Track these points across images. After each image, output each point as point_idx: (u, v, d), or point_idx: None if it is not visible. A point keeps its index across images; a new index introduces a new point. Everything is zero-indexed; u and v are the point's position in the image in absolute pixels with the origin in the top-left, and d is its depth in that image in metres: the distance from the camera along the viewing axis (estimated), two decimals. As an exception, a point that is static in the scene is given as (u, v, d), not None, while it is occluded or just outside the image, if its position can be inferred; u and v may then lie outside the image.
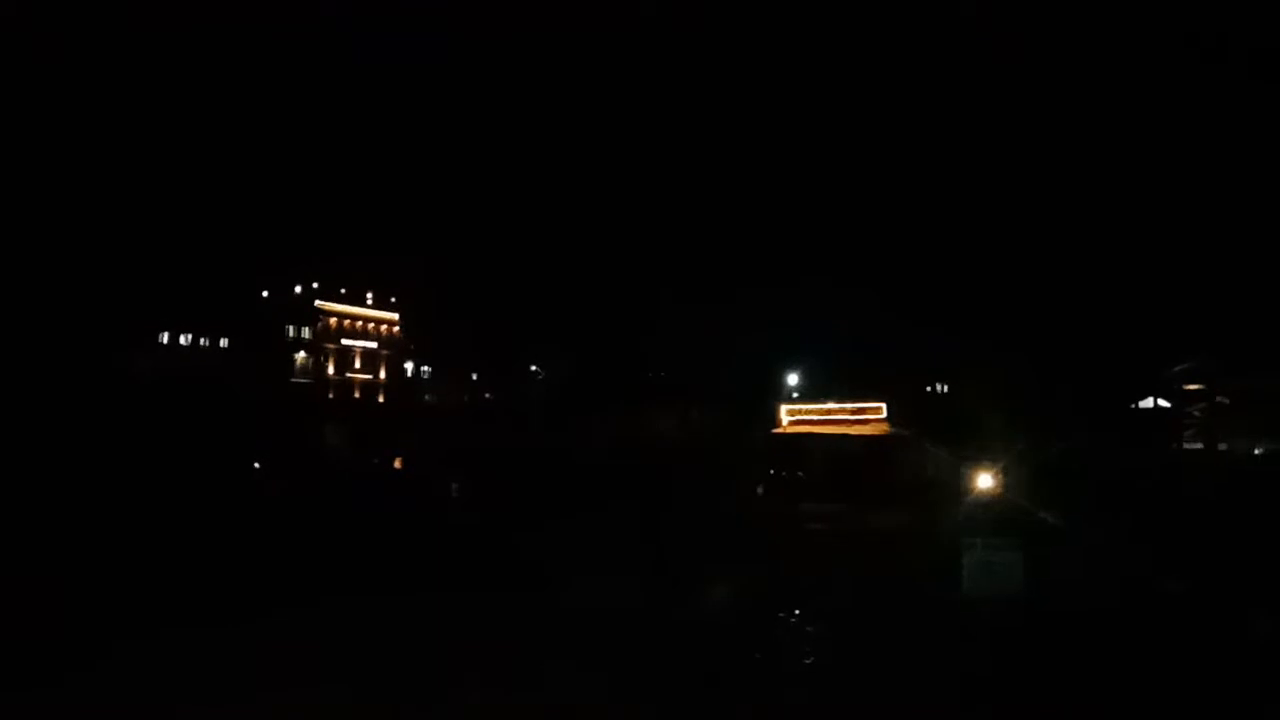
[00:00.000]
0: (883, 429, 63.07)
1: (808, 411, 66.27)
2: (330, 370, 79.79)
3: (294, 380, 75.98)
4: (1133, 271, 68.46)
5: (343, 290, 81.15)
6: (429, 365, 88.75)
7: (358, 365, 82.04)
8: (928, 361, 70.37)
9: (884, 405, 64.83)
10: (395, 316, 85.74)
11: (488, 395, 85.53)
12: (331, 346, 79.95)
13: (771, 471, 45.98)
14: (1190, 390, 64.57)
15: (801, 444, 56.84)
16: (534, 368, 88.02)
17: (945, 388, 71.07)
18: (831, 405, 66.21)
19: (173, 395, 54.37)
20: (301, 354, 78.42)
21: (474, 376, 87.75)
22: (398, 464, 52.97)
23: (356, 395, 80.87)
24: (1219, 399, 63.43)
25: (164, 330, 72.27)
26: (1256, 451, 60.15)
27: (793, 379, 73.40)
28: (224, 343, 75.05)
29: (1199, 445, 62.97)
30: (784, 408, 66.85)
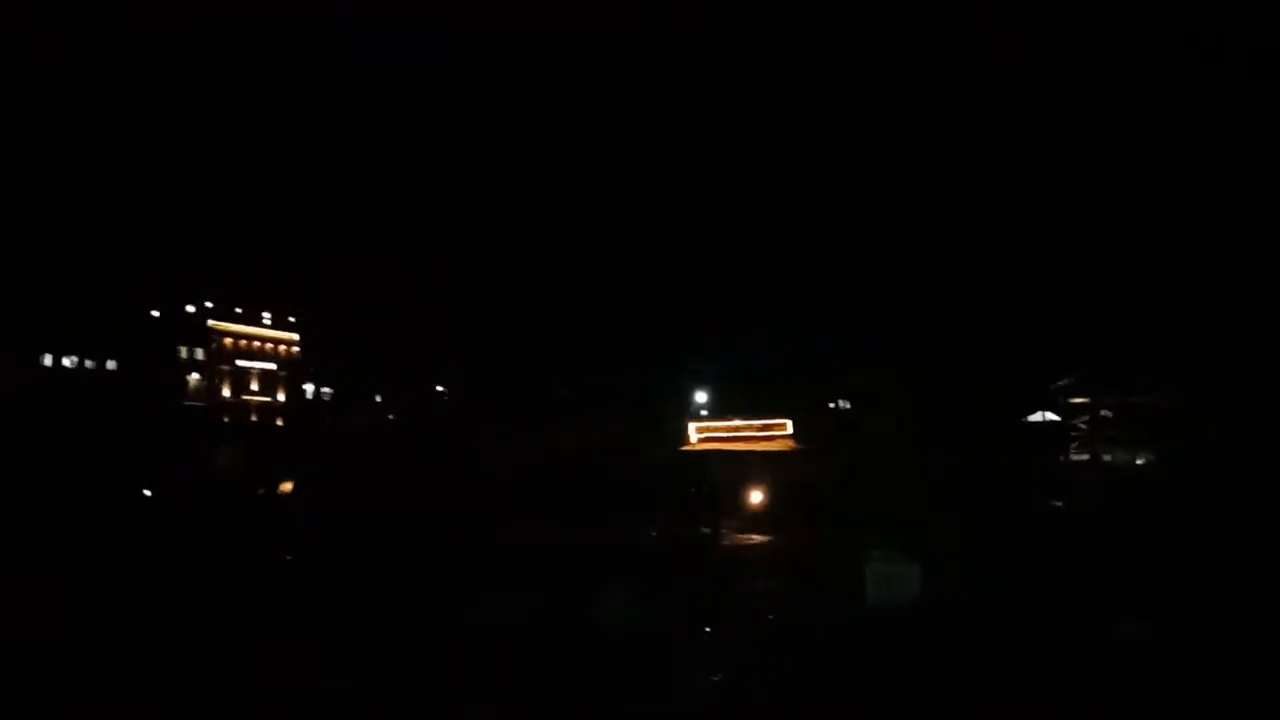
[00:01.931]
0: (788, 445, 64.31)
1: (715, 428, 67.17)
2: (226, 392, 77.05)
3: (186, 403, 73.10)
4: (1030, 284, 71.20)
5: (238, 310, 78.60)
6: (330, 387, 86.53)
7: (255, 387, 79.46)
8: (830, 379, 71.86)
9: (789, 422, 66.15)
10: (295, 337, 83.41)
11: (391, 416, 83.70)
12: (226, 368, 77.27)
13: (692, 489, 46.12)
14: (1076, 404, 67.46)
15: (710, 460, 57.43)
16: (440, 388, 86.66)
17: (847, 404, 72.63)
18: (739, 422, 67.30)
19: (42, 415, 51.69)
20: (195, 375, 75.58)
21: (378, 398, 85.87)
22: (286, 488, 51.38)
23: (254, 418, 78.23)
24: (1102, 412, 66.42)
25: (44, 351, 68.66)
26: (1138, 462, 63.20)
27: (701, 396, 74.17)
28: (111, 364, 71.86)
29: (1085, 456, 65.80)
30: (693, 425, 67.59)
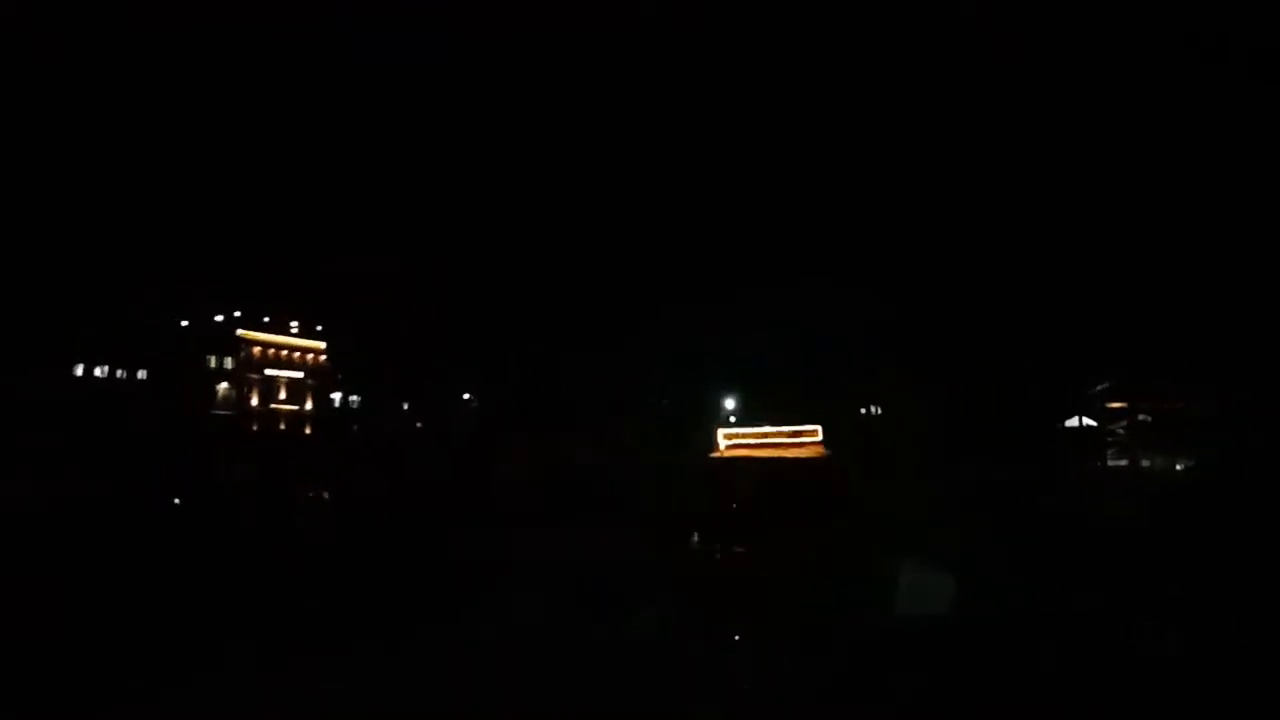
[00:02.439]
0: (818, 451, 63.48)
1: (745, 435, 66.49)
2: (254, 401, 77.42)
3: (215, 412, 73.48)
4: (1064, 287, 69.89)
5: (266, 319, 78.99)
6: (357, 395, 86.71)
7: (283, 396, 79.78)
8: (861, 384, 70.90)
9: (819, 428, 65.34)
10: (322, 345, 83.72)
11: (419, 424, 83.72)
12: (255, 377, 77.62)
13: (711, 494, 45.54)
14: (1113, 408, 66.11)
15: (739, 467, 56.77)
16: (466, 395, 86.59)
17: (879, 409, 71.63)
18: (768, 429, 66.57)
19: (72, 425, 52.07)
20: (223, 385, 75.99)
21: (405, 406, 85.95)
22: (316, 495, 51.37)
23: (282, 426, 78.53)
24: (1141, 417, 65.05)
25: (76, 362, 69.30)
26: (1178, 467, 61.75)
27: (730, 403, 73.49)
28: (141, 374, 72.46)
29: (1123, 462, 64.41)
30: (721, 432, 66.95)
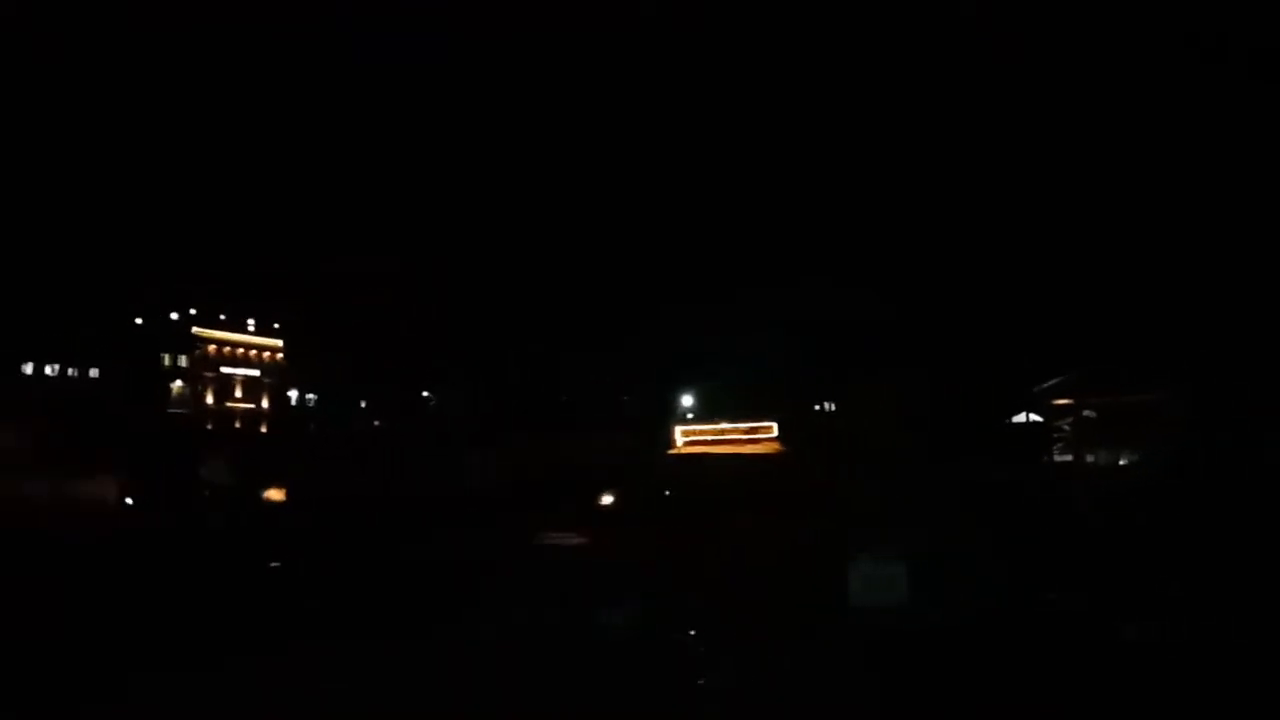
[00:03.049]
0: (774, 447, 64.47)
1: (702, 432, 67.31)
2: (210, 399, 76.67)
3: (170, 410, 72.70)
4: (1018, 286, 71.27)
5: (222, 316, 78.21)
6: (314, 393, 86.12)
7: (239, 394, 79.08)
8: (816, 380, 72.04)
9: (774, 424, 66.33)
10: (279, 343, 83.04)
11: (377, 423, 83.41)
12: (210, 375, 76.89)
13: (666, 493, 46.22)
14: (1059, 405, 67.78)
15: (697, 463, 57.50)
16: (425, 394, 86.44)
17: (832, 406, 72.86)
18: (725, 425, 67.43)
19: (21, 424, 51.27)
20: (178, 383, 75.18)
21: (362, 404, 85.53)
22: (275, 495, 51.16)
23: (238, 425, 77.86)
24: (1085, 413, 66.79)
25: (26, 360, 68.15)
26: (1122, 462, 63.58)
27: (687, 399, 74.29)
28: (94, 372, 71.46)
29: (1069, 457, 66.14)
30: (679, 429, 67.70)
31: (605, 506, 37.97)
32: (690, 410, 73.32)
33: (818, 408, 73.58)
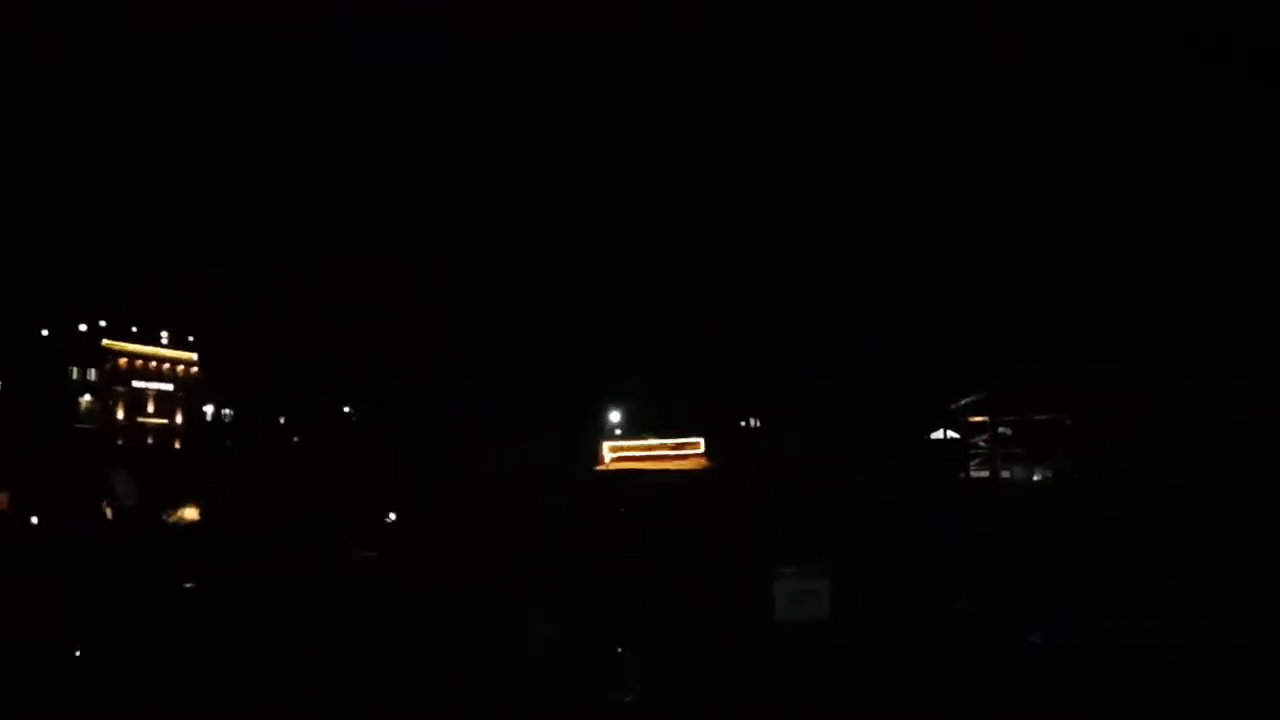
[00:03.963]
0: (700, 463, 64.95)
1: (629, 448, 67.44)
2: (120, 414, 73.98)
3: (77, 426, 69.93)
4: (935, 311, 72.88)
5: (134, 329, 75.62)
6: (231, 408, 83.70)
7: (151, 409, 76.48)
8: (742, 398, 72.73)
9: (701, 440, 66.83)
10: (193, 356, 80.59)
11: (295, 439, 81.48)
12: (121, 389, 74.20)
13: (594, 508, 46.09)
14: (975, 422, 69.81)
15: (624, 480, 57.61)
16: (346, 409, 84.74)
17: (757, 422, 73.69)
18: (653, 441, 67.68)
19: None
20: (87, 397, 72.40)
21: (280, 420, 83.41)
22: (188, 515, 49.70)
23: (149, 441, 75.25)
24: (1000, 430, 68.91)
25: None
26: (1035, 478, 65.73)
27: (615, 415, 74.30)
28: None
29: (985, 473, 68.12)
30: (606, 444, 67.70)
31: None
32: (618, 426, 73.39)
33: (744, 424, 74.34)
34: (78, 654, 18.75)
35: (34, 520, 41.83)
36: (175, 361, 79.19)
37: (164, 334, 78.29)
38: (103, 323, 73.36)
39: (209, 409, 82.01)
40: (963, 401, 68.40)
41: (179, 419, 78.66)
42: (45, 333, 71.36)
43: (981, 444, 69.23)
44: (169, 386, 78.09)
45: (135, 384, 75.25)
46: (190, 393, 79.93)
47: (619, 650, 18.60)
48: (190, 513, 50.32)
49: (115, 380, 73.74)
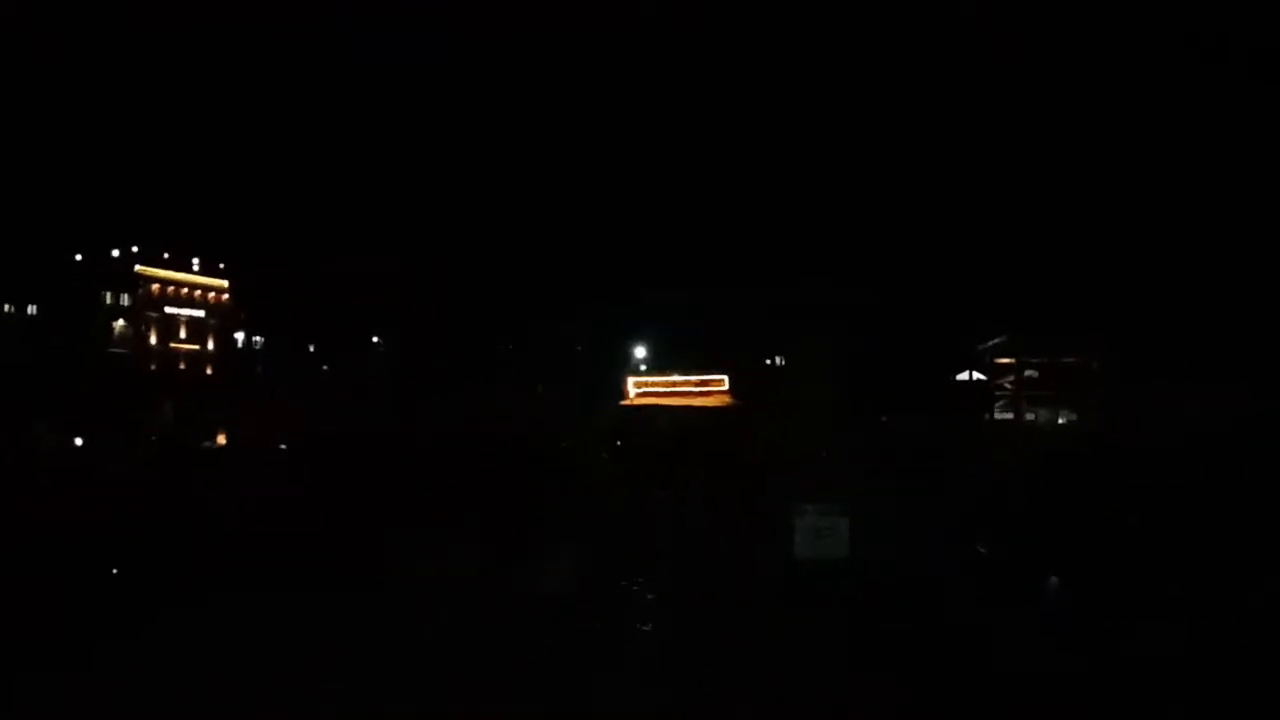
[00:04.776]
0: (724, 400, 65.15)
1: (654, 384, 67.70)
2: (153, 340, 75.05)
3: (111, 350, 71.08)
4: (964, 252, 72.53)
5: (166, 255, 76.26)
6: (261, 335, 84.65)
7: (183, 335, 77.50)
8: (766, 335, 72.65)
9: (726, 378, 66.94)
10: (225, 283, 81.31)
11: (325, 367, 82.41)
12: (154, 314, 75.13)
13: (618, 443, 46.56)
14: (1001, 364, 69.41)
15: (647, 416, 57.98)
16: (375, 339, 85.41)
17: (782, 360, 73.63)
18: (676, 377, 67.89)
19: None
20: (120, 322, 73.42)
21: (310, 348, 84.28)
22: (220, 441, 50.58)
23: (182, 367, 76.44)
24: (1027, 373, 68.51)
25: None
26: (1060, 421, 65.50)
27: (640, 351, 74.49)
28: (31, 309, 69.69)
29: (1009, 415, 67.92)
30: (631, 380, 67.99)
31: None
32: (643, 362, 73.58)
33: (768, 362, 74.33)
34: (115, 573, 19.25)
35: (77, 442, 42.76)
36: (206, 288, 79.93)
37: (195, 260, 78.92)
38: (135, 248, 74.02)
39: (239, 336, 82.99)
40: (991, 342, 67.94)
41: (210, 345, 79.69)
42: (78, 257, 72.19)
43: (1007, 385, 68.91)
44: (200, 313, 78.98)
45: (167, 310, 76.14)
46: (221, 319, 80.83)
47: (639, 582, 18.93)
48: (222, 439, 51.34)
49: (148, 306, 74.65)
